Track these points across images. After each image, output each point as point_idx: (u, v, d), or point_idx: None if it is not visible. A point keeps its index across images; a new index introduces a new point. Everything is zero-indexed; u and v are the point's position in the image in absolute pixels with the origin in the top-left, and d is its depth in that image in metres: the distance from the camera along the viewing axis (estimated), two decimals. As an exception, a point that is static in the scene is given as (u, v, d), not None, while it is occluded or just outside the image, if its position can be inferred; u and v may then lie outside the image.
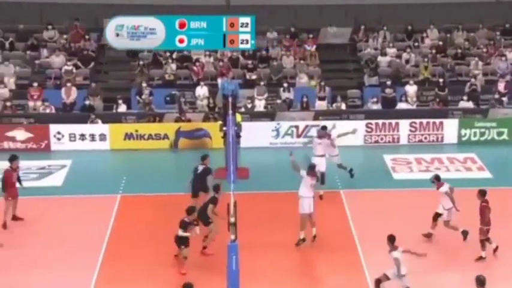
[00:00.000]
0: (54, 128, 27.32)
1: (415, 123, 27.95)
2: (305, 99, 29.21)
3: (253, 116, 28.63)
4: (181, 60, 31.69)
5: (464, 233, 19.22)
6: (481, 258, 18.44)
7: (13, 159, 20.86)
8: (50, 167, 25.51)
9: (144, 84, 29.58)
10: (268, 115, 28.76)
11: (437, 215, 19.33)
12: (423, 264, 17.14)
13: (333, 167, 23.22)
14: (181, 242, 17.88)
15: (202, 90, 29.92)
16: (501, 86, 30.29)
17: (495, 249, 18.67)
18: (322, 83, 30.30)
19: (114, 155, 27.24)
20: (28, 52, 31.98)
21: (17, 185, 20.70)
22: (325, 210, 20.84)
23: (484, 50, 32.73)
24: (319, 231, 19.39)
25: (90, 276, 17.76)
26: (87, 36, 32.45)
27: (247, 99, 29.15)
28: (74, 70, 31.01)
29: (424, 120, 27.96)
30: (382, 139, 27.94)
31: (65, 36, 32.76)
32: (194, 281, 14.89)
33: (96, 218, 21.03)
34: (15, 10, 33.15)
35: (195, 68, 31.18)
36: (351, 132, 24.47)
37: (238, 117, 24.85)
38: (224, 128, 23.42)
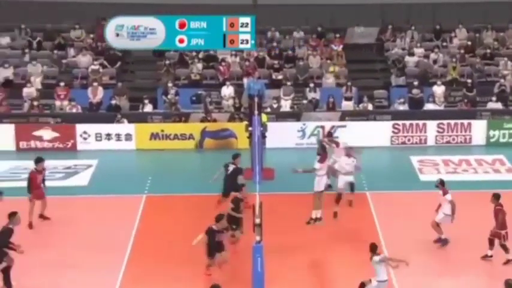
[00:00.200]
0: (80, 127, 27.45)
1: (442, 124, 27.71)
2: (331, 100, 29.05)
3: (279, 116, 28.53)
4: (207, 60, 31.68)
5: (444, 241, 19.13)
6: (509, 261, 18.20)
7: (39, 161, 20.81)
8: (76, 167, 25.60)
9: (170, 84, 29.60)
10: (294, 115, 28.65)
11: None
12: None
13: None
14: (216, 249, 17.37)
15: (228, 90, 29.88)
16: (530, 87, 30.03)
17: (484, 256, 18.47)
18: (349, 83, 30.14)
19: (140, 155, 27.29)
20: (55, 51, 32.12)
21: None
22: (351, 212, 20.68)
23: (514, 50, 32.44)
24: (345, 233, 19.21)
25: (116, 277, 17.77)
26: (113, 36, 32.54)
27: (273, 99, 29.04)
28: (101, 69, 31.13)
29: (452, 121, 27.70)
30: (409, 140, 27.71)
31: (91, 35, 32.91)
32: (220, 282, 14.90)
33: (121, 218, 21.06)
34: (43, 9, 33.29)
35: (221, 67, 31.14)
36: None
37: (264, 117, 24.74)
38: (250, 128, 23.33)
